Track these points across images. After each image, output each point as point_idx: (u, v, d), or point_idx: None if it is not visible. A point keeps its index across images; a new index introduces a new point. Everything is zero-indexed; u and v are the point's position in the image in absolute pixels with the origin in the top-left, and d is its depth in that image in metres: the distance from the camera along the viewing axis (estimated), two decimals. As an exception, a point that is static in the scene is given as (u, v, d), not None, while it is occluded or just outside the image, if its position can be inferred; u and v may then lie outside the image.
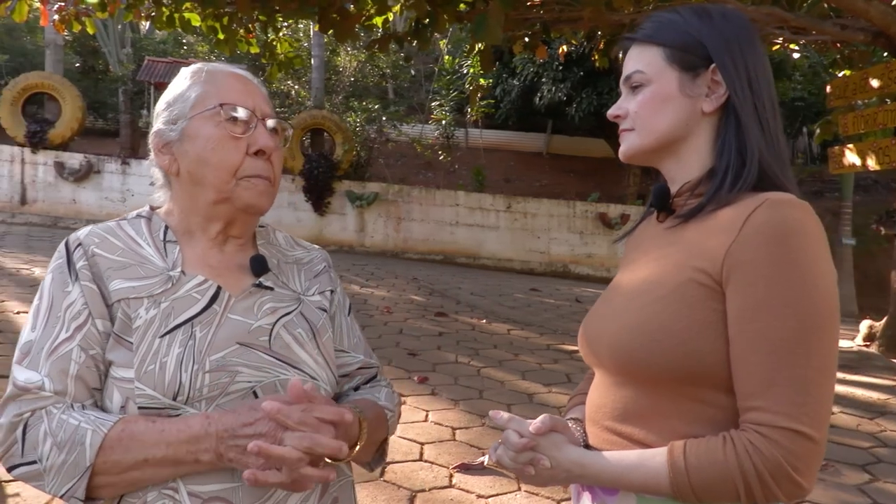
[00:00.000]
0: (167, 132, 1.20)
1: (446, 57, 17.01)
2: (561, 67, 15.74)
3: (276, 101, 16.29)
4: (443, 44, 17.88)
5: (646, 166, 1.23)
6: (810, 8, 6.53)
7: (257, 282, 1.21)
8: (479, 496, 3.27)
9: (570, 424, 1.20)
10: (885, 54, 6.80)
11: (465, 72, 15.87)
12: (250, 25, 6.78)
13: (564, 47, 8.89)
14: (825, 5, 6.41)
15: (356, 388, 1.34)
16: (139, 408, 1.05)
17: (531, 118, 18.28)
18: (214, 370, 1.08)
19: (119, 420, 1.03)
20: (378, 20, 6.30)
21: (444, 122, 16.24)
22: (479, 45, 6.15)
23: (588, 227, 13.40)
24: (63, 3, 6.07)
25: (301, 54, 10.27)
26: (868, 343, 7.36)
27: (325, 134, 13.72)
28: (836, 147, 7.14)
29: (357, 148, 13.68)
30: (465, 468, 3.50)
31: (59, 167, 12.52)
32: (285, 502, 1.09)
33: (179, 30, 6.61)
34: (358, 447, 1.14)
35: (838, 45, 7.36)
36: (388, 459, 3.52)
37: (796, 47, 8.66)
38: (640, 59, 1.14)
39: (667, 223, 1.16)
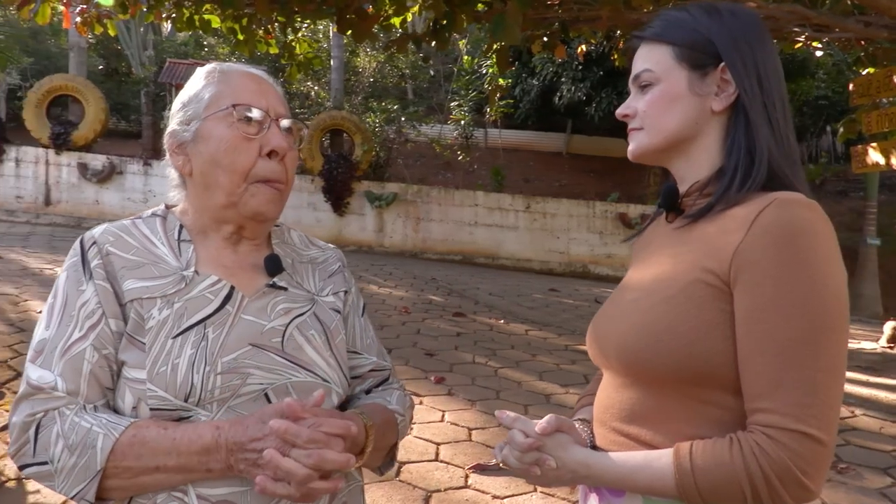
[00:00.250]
0: (181, 133, 1.19)
1: (465, 57, 17.00)
2: (580, 67, 15.68)
3: (296, 102, 16.38)
4: (462, 44, 17.88)
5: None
6: (833, 5, 6.44)
7: (271, 282, 1.20)
8: (495, 497, 3.26)
9: (577, 425, 1.19)
10: (910, 51, 6.70)
11: (484, 72, 15.86)
12: (269, 26, 6.81)
13: (583, 47, 8.84)
14: (848, 2, 6.32)
15: (368, 391, 1.33)
16: (151, 409, 1.06)
17: (550, 118, 18.23)
18: (226, 372, 1.08)
19: (130, 425, 1.04)
20: (396, 20, 6.30)
21: (462, 122, 16.23)
22: (497, 44, 6.13)
23: (608, 228, 13.33)
24: (85, 6, 6.14)
25: (320, 55, 10.31)
26: (892, 345, 7.25)
27: (345, 134, 13.77)
28: (860, 146, 7.04)
29: (376, 148, 13.71)
30: (481, 469, 3.49)
31: (83, 168, 12.67)
32: None
33: (199, 31, 6.65)
34: (365, 455, 1.14)
35: (862, 42, 7.25)
36: (403, 459, 3.53)
37: (819, 45, 8.54)
38: (648, 58, 1.14)
39: (676, 223, 1.15)
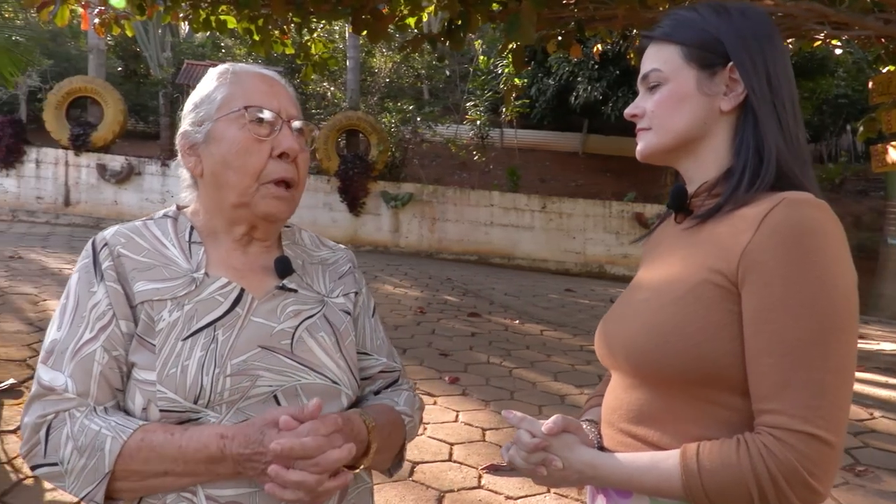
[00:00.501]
0: (193, 133, 1.20)
1: (481, 57, 16.98)
2: (597, 66, 15.63)
3: (312, 103, 16.45)
4: (478, 44, 17.87)
5: None
6: (852, 3, 6.37)
7: (281, 284, 1.21)
8: (508, 497, 3.26)
9: (584, 426, 1.19)
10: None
11: (499, 72, 15.84)
12: (285, 27, 6.84)
13: (599, 46, 8.81)
14: (867, 0, 6.24)
15: (377, 392, 1.33)
16: (160, 410, 1.06)
17: (567, 118, 18.18)
18: (235, 374, 1.09)
19: (138, 429, 1.04)
20: (411, 21, 6.31)
21: (478, 122, 16.22)
22: (512, 44, 6.12)
23: (624, 228, 13.26)
24: (103, 8, 6.19)
25: (336, 55, 10.34)
26: (913, 346, 7.15)
27: (361, 135, 13.80)
28: (879, 145, 6.95)
29: (392, 149, 13.73)
30: (495, 469, 3.49)
31: (101, 169, 12.78)
32: None
33: (216, 32, 6.69)
34: (370, 454, 1.14)
35: (882, 40, 7.16)
36: (417, 459, 3.53)
37: (838, 43, 8.45)
38: (657, 58, 1.13)
39: (684, 224, 1.14)
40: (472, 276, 10.44)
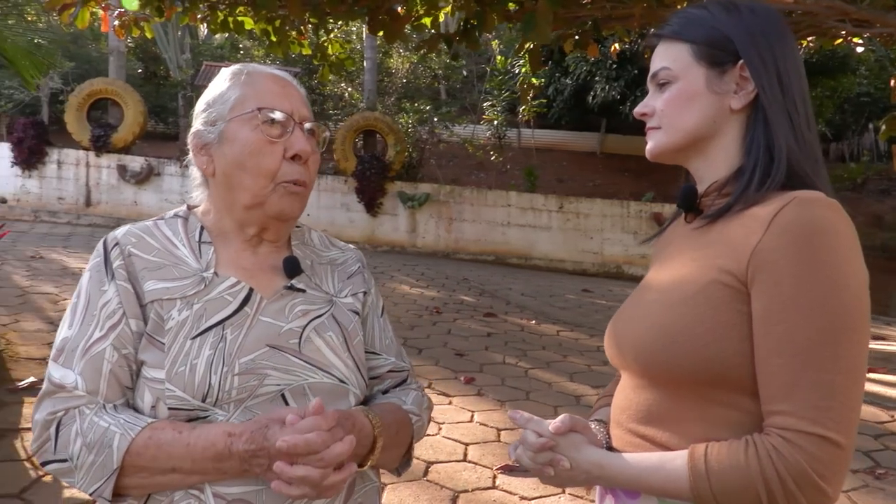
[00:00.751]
0: (205, 133, 1.20)
1: (498, 57, 16.94)
2: (614, 66, 15.55)
3: (330, 103, 16.50)
4: (495, 44, 17.84)
5: None
6: (873, 0, 6.29)
7: (289, 284, 1.21)
8: (523, 498, 3.25)
9: (593, 426, 1.18)
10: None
11: (517, 72, 15.80)
12: (302, 28, 6.86)
13: (617, 45, 8.76)
14: (889, -3, 6.16)
15: (386, 391, 1.33)
16: (169, 408, 1.07)
17: (584, 117, 18.11)
18: (243, 373, 1.09)
19: (147, 426, 1.05)
20: (427, 21, 6.30)
21: (495, 122, 16.19)
22: (529, 44, 6.10)
23: (642, 228, 13.19)
24: (122, 10, 6.25)
25: (353, 56, 10.36)
26: (935, 347, 7.05)
27: (378, 135, 13.84)
28: (901, 144, 6.86)
29: (409, 149, 13.74)
30: (509, 469, 3.48)
31: (122, 170, 12.91)
32: None
33: (234, 33, 6.73)
34: (376, 451, 1.14)
35: (904, 37, 7.06)
36: (431, 459, 3.53)
37: (860, 41, 8.35)
38: (666, 56, 1.12)
39: (694, 224, 1.13)
40: (489, 277, 10.43)
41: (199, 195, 1.28)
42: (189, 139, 1.25)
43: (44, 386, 1.11)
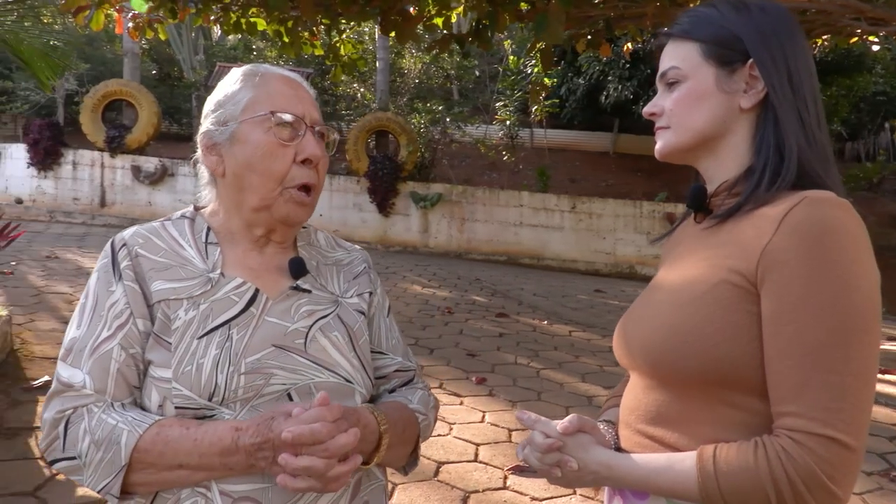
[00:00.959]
0: (216, 133, 1.21)
1: (511, 57, 16.92)
2: (627, 65, 15.49)
3: (342, 104, 16.53)
4: (507, 44, 17.82)
5: None
6: (888, -2, 6.24)
7: (295, 284, 1.22)
8: (534, 499, 3.24)
9: (601, 427, 1.18)
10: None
11: (529, 72, 15.78)
12: (314, 28, 6.88)
13: (630, 45, 8.72)
14: (904, -6, 6.11)
15: (392, 391, 1.34)
16: (176, 407, 1.08)
17: (597, 117, 18.04)
18: (250, 372, 1.10)
19: (154, 423, 1.06)
20: (439, 21, 6.30)
21: (508, 122, 16.16)
22: (541, 44, 6.09)
23: (655, 228, 13.13)
24: (136, 12, 6.29)
25: (365, 56, 10.38)
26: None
27: (390, 136, 13.85)
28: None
29: (421, 149, 13.75)
30: (520, 470, 3.47)
31: (136, 171, 12.99)
32: (315, 503, 1.10)
33: (246, 34, 6.76)
34: (382, 448, 1.14)
35: (920, 36, 7.00)
36: (442, 459, 3.53)
37: (876, 39, 8.27)
38: (675, 55, 1.12)
39: (704, 224, 1.13)
40: (501, 277, 10.41)
41: (206, 195, 1.29)
42: (198, 138, 1.25)
43: (53, 385, 1.13)
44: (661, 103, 1.14)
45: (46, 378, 4.11)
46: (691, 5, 5.56)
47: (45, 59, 6.20)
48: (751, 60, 1.06)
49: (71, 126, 15.26)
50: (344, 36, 7.60)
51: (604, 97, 16.29)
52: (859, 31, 6.69)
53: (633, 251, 13.14)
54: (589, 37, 6.63)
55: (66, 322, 5.49)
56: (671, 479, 0.99)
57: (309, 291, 1.23)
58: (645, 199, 13.83)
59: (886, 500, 3.37)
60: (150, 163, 13.08)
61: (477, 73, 20.54)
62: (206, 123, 1.24)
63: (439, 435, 3.90)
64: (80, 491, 2.99)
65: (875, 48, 11.26)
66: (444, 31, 6.46)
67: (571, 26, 6.19)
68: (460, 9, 6.38)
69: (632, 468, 1.04)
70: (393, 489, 3.20)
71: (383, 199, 12.96)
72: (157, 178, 13.00)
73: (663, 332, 1.05)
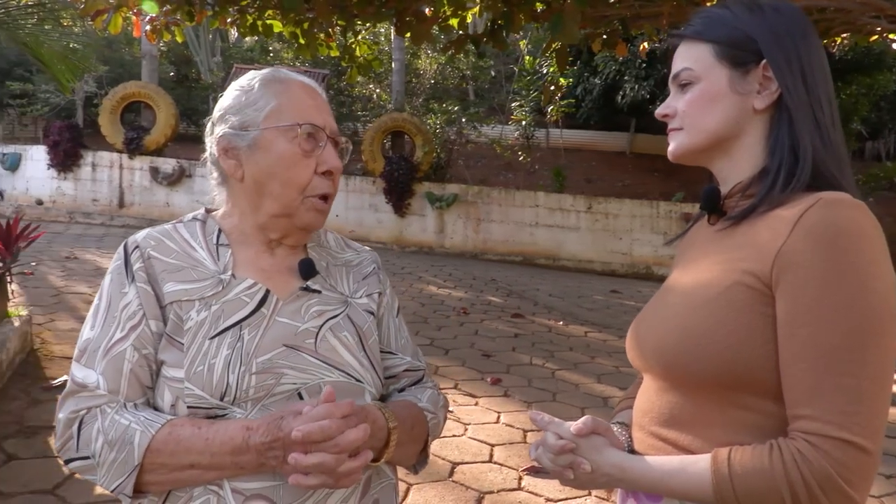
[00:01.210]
0: (235, 137, 1.21)
1: (526, 57, 16.88)
2: (644, 65, 15.41)
3: (358, 105, 16.56)
4: (522, 44, 17.78)
5: None
6: (909, -5, 6.15)
7: (304, 285, 1.23)
8: (549, 500, 3.24)
9: (615, 429, 1.18)
10: None
11: (545, 72, 15.73)
12: (330, 30, 6.90)
13: (646, 44, 8.68)
14: (926, -8, 6.02)
15: (402, 390, 1.35)
16: (188, 407, 1.09)
17: (613, 117, 17.95)
18: (261, 372, 1.11)
19: (166, 423, 1.07)
20: (454, 21, 6.30)
21: (524, 122, 16.12)
22: (556, 44, 6.07)
23: (672, 228, 13.04)
24: (153, 15, 6.34)
25: (380, 57, 10.40)
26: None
27: (406, 136, 13.87)
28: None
29: (437, 150, 13.75)
30: (535, 471, 3.47)
31: (154, 172, 13.11)
32: (325, 501, 1.11)
33: (262, 36, 6.80)
34: (391, 446, 1.15)
35: (941, 33, 6.90)
36: (457, 460, 3.53)
37: (896, 37, 8.18)
38: (688, 57, 1.11)
39: (718, 225, 1.12)
40: (517, 277, 10.40)
41: (218, 197, 1.30)
42: (214, 141, 1.25)
43: (67, 386, 1.14)
44: (673, 105, 1.13)
45: (65, 377, 4.14)
46: (708, 4, 5.53)
47: (64, 61, 6.27)
48: (764, 61, 1.05)
49: (90, 128, 15.39)
50: (359, 37, 7.62)
51: (620, 97, 16.20)
52: (879, 29, 6.62)
53: (650, 252, 13.07)
54: (605, 36, 6.60)
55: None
56: (685, 481, 0.99)
57: (319, 292, 1.24)
58: (662, 200, 13.74)
59: (907, 503, 3.34)
60: (167, 164, 13.19)
61: (492, 73, 20.52)
62: (221, 126, 1.23)
63: (454, 435, 3.90)
64: (98, 490, 3.02)
65: (895, 46, 11.13)
66: (460, 32, 6.46)
67: (587, 26, 6.16)
68: (475, 9, 6.38)
69: (645, 470, 1.04)
70: (408, 489, 3.20)
71: (399, 199, 12.98)
72: (174, 179, 13.10)
73: (676, 335, 1.04)
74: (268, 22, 6.56)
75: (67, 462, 1.11)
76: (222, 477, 1.07)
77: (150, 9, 5.96)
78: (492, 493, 3.27)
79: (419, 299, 7.92)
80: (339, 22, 6.50)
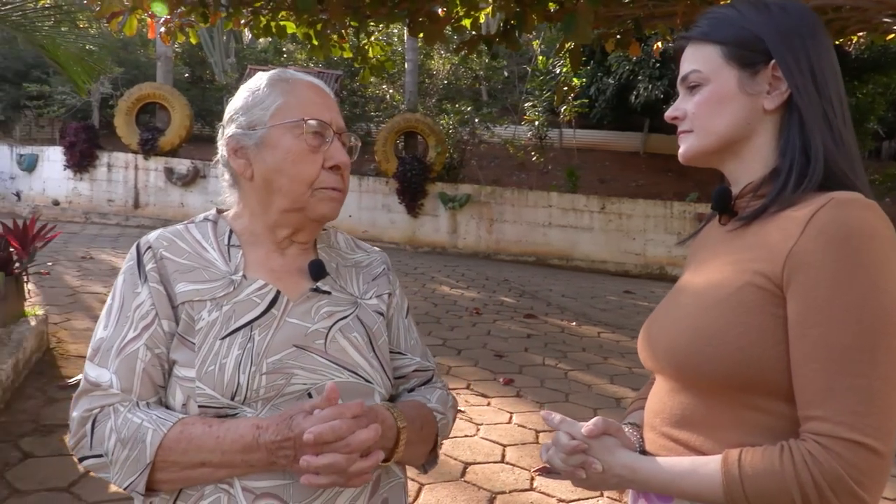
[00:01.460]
0: (243, 137, 1.23)
1: (540, 57, 16.86)
2: (657, 65, 15.34)
3: (371, 105, 16.60)
4: (536, 44, 17.76)
5: None
6: (926, -6, 6.09)
7: (315, 286, 1.24)
8: (560, 500, 3.23)
9: (626, 429, 1.17)
10: None
11: (558, 72, 15.70)
12: (343, 31, 6.93)
13: (659, 44, 8.64)
14: (943, -10, 5.96)
15: (411, 390, 1.35)
16: (199, 406, 1.10)
17: (627, 117, 17.89)
18: (271, 372, 1.12)
19: (178, 421, 1.08)
20: (467, 22, 6.31)
21: (537, 122, 16.09)
22: (569, 44, 6.06)
23: (686, 228, 12.97)
24: (168, 17, 6.39)
25: (393, 58, 10.42)
26: None
27: (419, 137, 13.89)
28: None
29: (450, 150, 13.75)
30: (546, 471, 3.45)
31: (169, 172, 13.19)
32: (335, 500, 1.12)
33: (276, 37, 6.83)
34: (400, 445, 1.15)
35: (959, 32, 6.83)
36: (469, 460, 3.53)
37: (913, 36, 8.10)
38: (696, 58, 1.11)
39: (729, 226, 1.12)
40: (530, 278, 10.38)
41: (229, 198, 1.31)
42: (224, 142, 1.26)
43: (80, 384, 1.16)
44: (683, 107, 1.13)
45: (80, 376, 4.19)
46: (721, 3, 5.50)
47: (80, 63, 6.32)
48: (773, 61, 1.05)
49: (106, 129, 15.52)
50: (372, 38, 7.64)
51: (634, 97, 16.14)
52: (896, 27, 6.56)
53: (664, 252, 13.01)
54: (618, 36, 6.58)
55: (100, 321, 5.58)
56: (696, 482, 0.99)
57: (329, 293, 1.25)
58: (675, 200, 13.68)
59: (922, 506, 3.30)
60: (182, 164, 13.27)
61: (505, 73, 20.50)
62: (231, 127, 1.25)
63: (466, 436, 3.90)
64: (112, 488, 3.05)
65: (912, 45, 11.02)
66: (473, 32, 6.46)
67: (600, 26, 6.15)
68: (488, 9, 6.37)
69: (656, 471, 1.04)
70: (420, 489, 3.21)
71: (412, 199, 13.00)
72: (189, 180, 13.19)
73: (688, 336, 1.04)
74: (281, 23, 6.60)
75: (81, 460, 1.13)
76: (233, 475, 1.08)
77: (160, 11, 6.00)
78: (504, 493, 3.27)
79: (432, 299, 7.92)
80: (352, 23, 6.52)
